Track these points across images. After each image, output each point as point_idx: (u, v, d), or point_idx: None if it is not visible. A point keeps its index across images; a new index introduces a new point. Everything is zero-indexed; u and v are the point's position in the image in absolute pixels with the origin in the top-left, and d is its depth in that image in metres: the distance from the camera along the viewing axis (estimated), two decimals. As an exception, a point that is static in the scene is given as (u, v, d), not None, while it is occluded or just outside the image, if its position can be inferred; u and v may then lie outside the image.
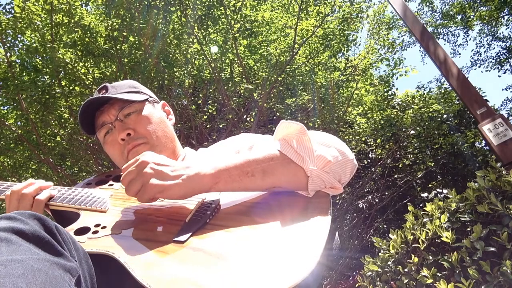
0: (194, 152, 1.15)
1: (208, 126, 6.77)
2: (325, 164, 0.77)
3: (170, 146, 1.06)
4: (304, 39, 5.75)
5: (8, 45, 4.77)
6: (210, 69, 5.71)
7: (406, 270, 2.01)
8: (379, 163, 7.37)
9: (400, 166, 7.73)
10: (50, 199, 0.91)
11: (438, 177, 7.95)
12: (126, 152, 0.98)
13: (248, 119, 6.77)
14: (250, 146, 0.98)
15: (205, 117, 6.58)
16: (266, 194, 0.80)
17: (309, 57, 6.09)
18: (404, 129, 7.06)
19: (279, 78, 5.69)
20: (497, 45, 13.36)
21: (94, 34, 5.18)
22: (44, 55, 4.85)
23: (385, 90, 7.58)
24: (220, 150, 1.04)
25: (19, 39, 4.94)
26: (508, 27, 14.03)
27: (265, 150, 0.80)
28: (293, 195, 0.79)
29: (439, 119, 7.50)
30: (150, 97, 1.10)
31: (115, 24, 4.98)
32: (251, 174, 0.76)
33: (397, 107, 7.62)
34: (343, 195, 6.90)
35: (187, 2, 5.07)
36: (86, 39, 5.06)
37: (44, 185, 0.95)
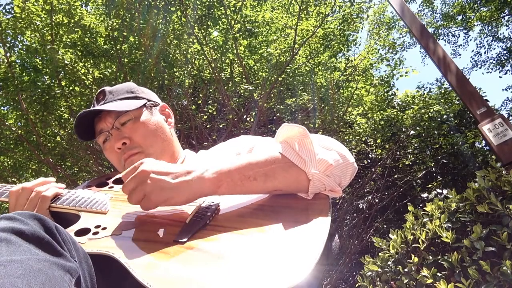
0: (194, 154, 1.15)
1: (208, 126, 6.77)
2: (326, 167, 0.77)
3: (168, 149, 1.06)
4: (304, 39, 5.75)
5: (8, 45, 4.77)
6: (210, 69, 5.71)
7: (406, 270, 2.00)
8: (379, 163, 7.36)
9: (400, 166, 7.71)
10: (52, 199, 0.91)
11: (438, 177, 7.92)
12: (123, 161, 1.00)
13: (248, 119, 6.76)
14: (250, 148, 0.98)
15: (205, 117, 6.57)
16: (266, 195, 0.80)
17: (309, 57, 6.09)
18: (404, 129, 7.05)
19: (279, 78, 5.69)
20: (497, 45, 13.36)
21: (94, 34, 5.18)
22: (44, 55, 4.84)
23: (385, 90, 7.58)
24: (220, 153, 1.04)
25: (19, 39, 4.94)
26: (509, 28, 14.02)
27: (267, 152, 0.80)
28: (293, 196, 0.79)
29: (439, 119, 7.49)
30: (149, 100, 1.09)
31: (115, 24, 4.98)
32: (253, 178, 0.75)
33: (397, 107, 7.62)
34: (343, 195, 6.90)
35: (187, 2, 5.07)
36: (86, 39, 5.06)
37: (57, 186, 0.95)
